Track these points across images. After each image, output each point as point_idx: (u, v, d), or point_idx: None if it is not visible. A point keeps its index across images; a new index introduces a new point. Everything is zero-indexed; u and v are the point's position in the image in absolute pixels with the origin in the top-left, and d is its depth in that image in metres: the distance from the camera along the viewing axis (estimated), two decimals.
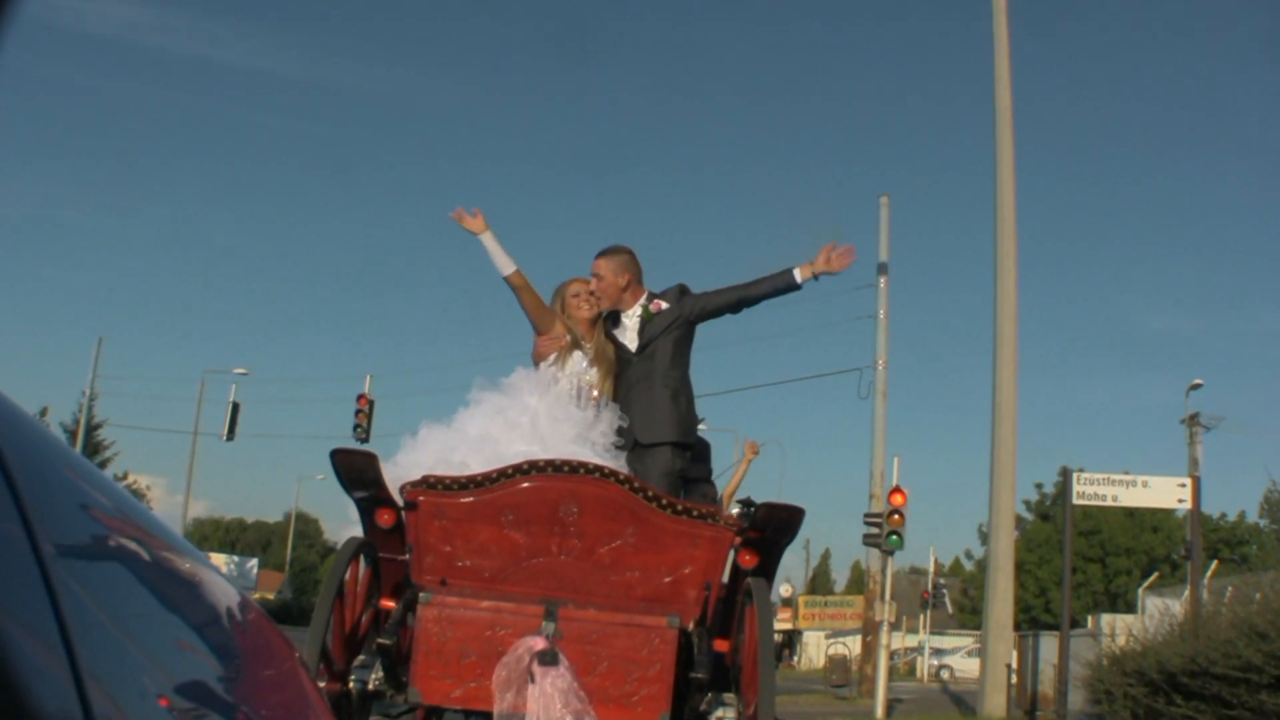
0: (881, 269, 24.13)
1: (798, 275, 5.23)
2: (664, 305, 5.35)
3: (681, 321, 5.34)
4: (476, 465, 4.60)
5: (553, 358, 5.22)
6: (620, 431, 5.02)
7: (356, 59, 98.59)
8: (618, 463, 4.80)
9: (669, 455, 5.16)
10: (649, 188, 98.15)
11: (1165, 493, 16.00)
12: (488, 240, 5.28)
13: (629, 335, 5.38)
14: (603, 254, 5.42)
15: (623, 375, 5.34)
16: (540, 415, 4.91)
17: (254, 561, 59.52)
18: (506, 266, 5.26)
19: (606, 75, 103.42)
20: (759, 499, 4.84)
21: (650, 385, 5.22)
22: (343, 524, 5.01)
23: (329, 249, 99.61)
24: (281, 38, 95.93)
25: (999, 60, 19.13)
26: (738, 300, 5.32)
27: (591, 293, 5.35)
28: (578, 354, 5.25)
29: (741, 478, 5.65)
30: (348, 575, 4.35)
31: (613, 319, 5.49)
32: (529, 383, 5.09)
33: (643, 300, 5.41)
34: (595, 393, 5.21)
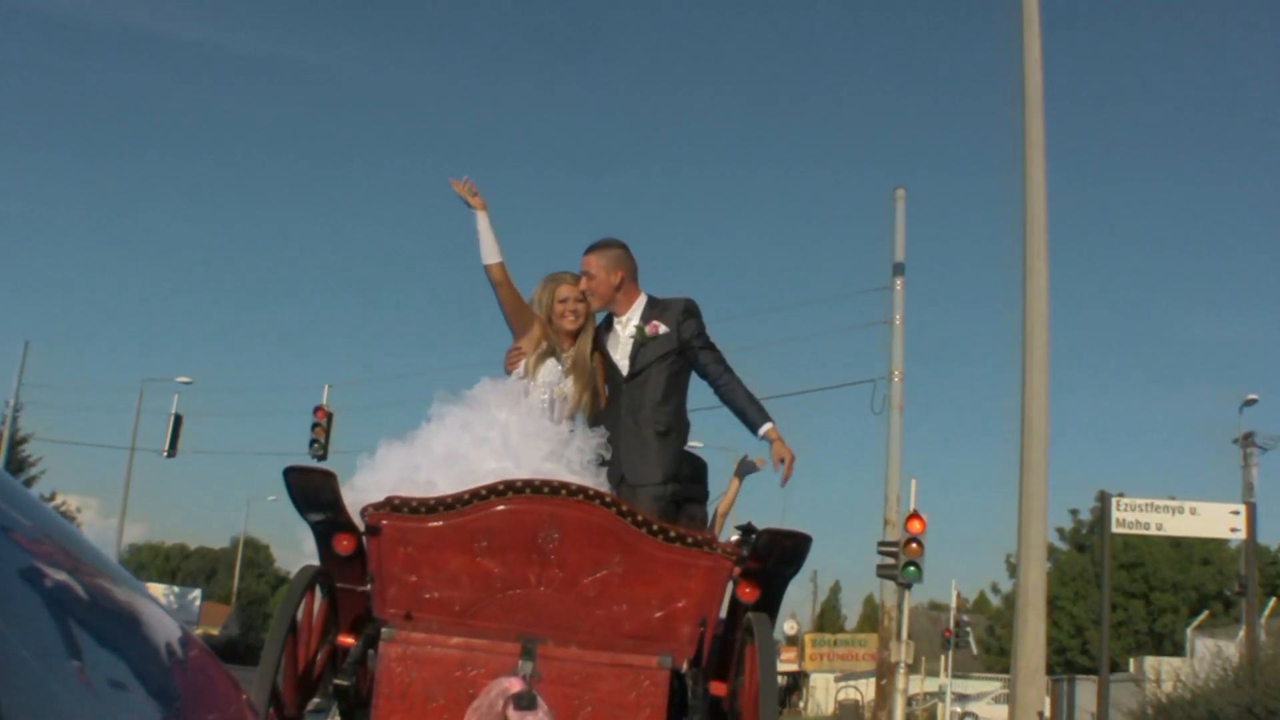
0: (897, 270, 24.20)
1: (762, 429, 5.24)
2: (661, 329, 5.35)
3: (677, 354, 5.35)
4: (445, 486, 4.60)
5: (523, 366, 5.24)
6: (601, 450, 5.04)
7: (318, 34, 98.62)
8: (595, 483, 4.82)
9: (659, 480, 5.17)
10: (649, 186, 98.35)
11: (1216, 521, 16.04)
12: (482, 221, 5.33)
13: (620, 349, 5.39)
14: (593, 249, 5.42)
15: (612, 398, 5.36)
16: (510, 430, 4.92)
17: (196, 593, 59.34)
18: (491, 255, 5.30)
19: (604, 65, 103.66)
20: (760, 524, 4.85)
21: (638, 421, 5.24)
22: (296, 551, 5.02)
23: (284, 246, 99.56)
24: (235, 9, 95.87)
25: (1028, 39, 19.22)
26: (717, 387, 5.36)
27: (581, 295, 5.36)
28: (551, 362, 5.27)
29: (735, 496, 5.65)
30: (301, 608, 4.35)
31: (604, 325, 5.51)
32: (496, 394, 5.11)
33: (639, 307, 5.41)
34: (569, 406, 5.23)
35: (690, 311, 5.41)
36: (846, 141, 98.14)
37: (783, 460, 5.20)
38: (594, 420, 5.30)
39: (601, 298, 5.39)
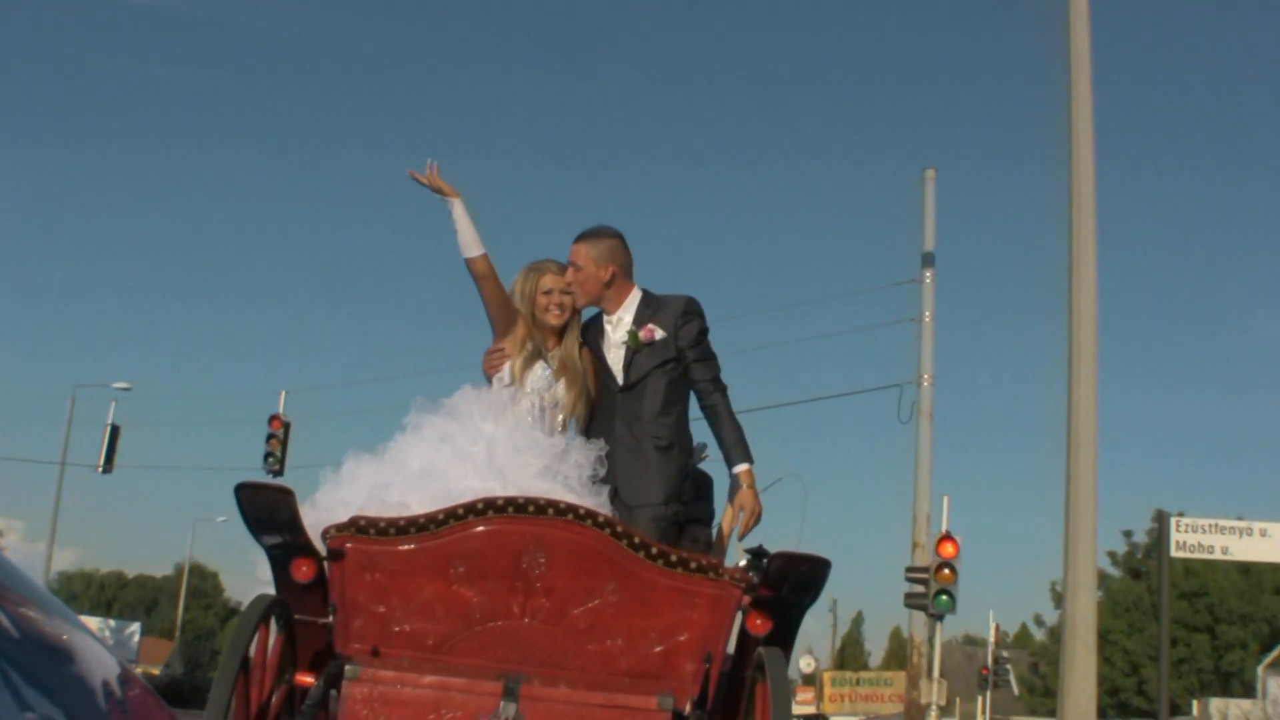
0: (926, 260, 24.19)
1: (736, 469, 5.27)
2: (657, 335, 5.34)
3: (676, 360, 5.35)
4: (420, 506, 4.61)
5: (507, 369, 5.24)
6: (599, 464, 5.05)
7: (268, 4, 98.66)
8: (596, 502, 4.82)
9: (660, 500, 5.18)
10: (650, 178, 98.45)
11: None
12: (457, 209, 5.31)
13: (613, 353, 5.39)
14: (582, 237, 5.42)
15: (605, 407, 5.37)
16: (497, 444, 4.93)
17: (135, 626, 59.20)
18: (472, 247, 5.29)
19: (610, 48, 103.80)
20: (773, 547, 4.86)
21: (636, 435, 5.26)
22: (249, 579, 5.02)
23: (234, 238, 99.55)
24: None
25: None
26: (704, 408, 5.37)
27: (566, 290, 5.36)
28: (540, 365, 5.28)
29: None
30: (255, 643, 4.35)
31: (593, 324, 5.51)
32: (480, 403, 5.12)
33: (631, 305, 5.40)
34: (562, 415, 5.24)
35: (690, 313, 5.40)
36: (867, 120, 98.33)
37: (743, 509, 5.20)
38: (588, 429, 5.32)
39: (588, 294, 5.39)
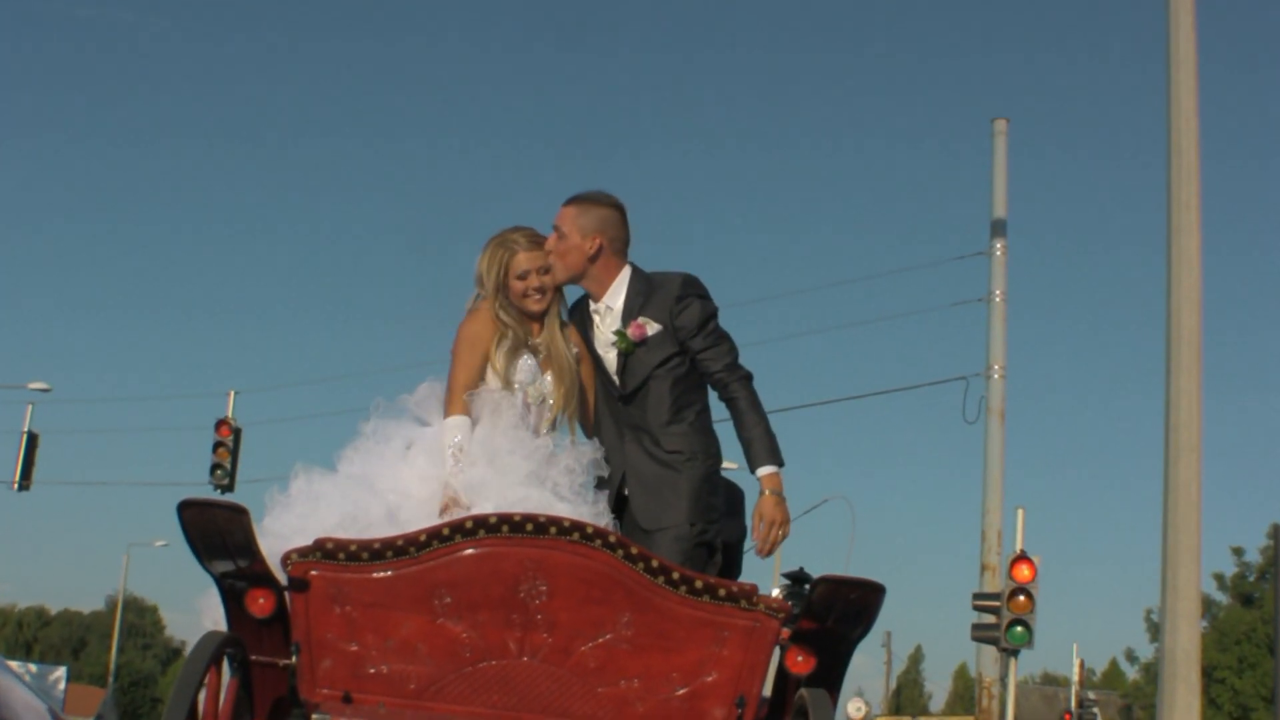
0: (997, 229, 24.10)
1: (760, 471, 5.25)
2: (650, 330, 5.32)
3: (679, 356, 5.33)
4: (390, 527, 4.64)
5: (488, 366, 5.25)
6: (597, 468, 5.11)
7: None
8: (592, 512, 4.87)
9: (683, 520, 5.20)
10: (668, 150, 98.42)
11: None
12: None
13: (604, 353, 5.40)
14: (572, 201, 5.42)
15: (605, 413, 5.40)
16: (479, 448, 4.96)
17: (60, 671, 59.32)
18: None
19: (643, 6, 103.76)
20: (816, 571, 4.87)
21: (645, 448, 5.28)
22: (194, 614, 5.04)
23: (169, 217, 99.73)
24: None
25: None
26: (725, 402, 5.36)
27: (545, 268, 5.34)
28: (525, 357, 5.28)
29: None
30: (204, 690, 4.36)
31: (578, 312, 5.52)
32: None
33: (620, 287, 5.37)
34: (551, 413, 5.28)
35: (686, 296, 5.36)
36: (924, 61, 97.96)
37: (763, 520, 5.20)
38: (589, 431, 5.35)
39: (569, 268, 5.37)
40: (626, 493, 5.26)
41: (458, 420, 5.08)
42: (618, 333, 5.32)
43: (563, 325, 5.43)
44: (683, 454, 5.26)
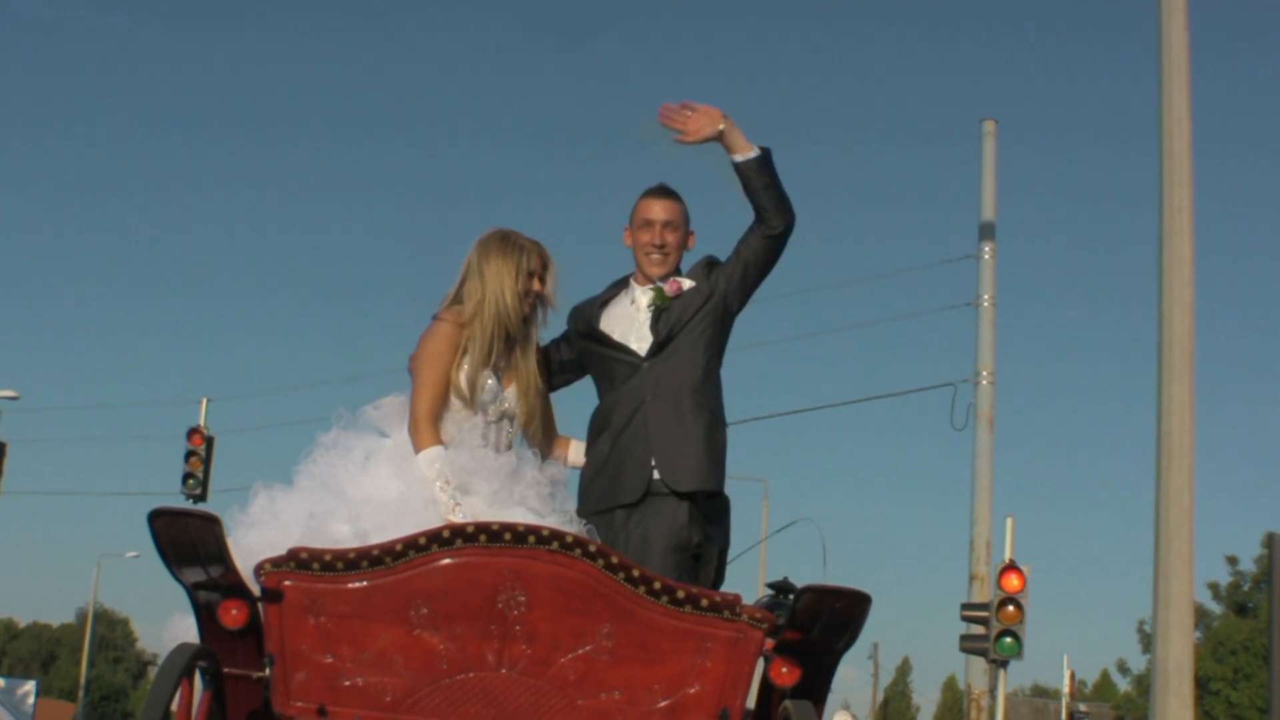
0: (985, 232, 24.16)
1: (741, 158, 5.45)
2: (685, 284, 5.49)
3: (716, 308, 5.48)
4: (358, 541, 4.64)
5: (462, 377, 5.26)
6: (557, 484, 5.17)
7: None
8: (559, 523, 4.90)
9: (685, 518, 5.24)
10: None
11: None
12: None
13: (638, 321, 5.49)
14: (670, 194, 5.62)
15: (615, 388, 5.43)
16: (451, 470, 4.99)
17: (29, 686, 59.05)
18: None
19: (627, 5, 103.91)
20: (800, 581, 4.88)
21: (677, 402, 5.35)
22: (167, 625, 5.03)
23: (140, 220, 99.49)
24: None
25: None
26: (761, 234, 5.51)
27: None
28: (487, 377, 5.30)
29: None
30: (176, 703, 4.36)
31: (610, 293, 5.63)
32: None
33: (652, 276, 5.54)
34: (511, 430, 5.33)
35: (715, 262, 5.59)
36: (915, 64, 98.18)
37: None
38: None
39: (675, 263, 5.58)
40: (654, 462, 5.31)
41: (434, 452, 5.08)
42: (654, 289, 5.49)
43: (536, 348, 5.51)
44: (711, 415, 5.40)
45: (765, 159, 5.44)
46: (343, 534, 4.79)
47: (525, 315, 5.41)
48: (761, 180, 5.43)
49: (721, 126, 5.41)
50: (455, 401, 5.25)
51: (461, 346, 5.30)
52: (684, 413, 5.34)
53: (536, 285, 5.40)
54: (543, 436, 5.49)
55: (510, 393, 5.34)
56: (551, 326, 5.59)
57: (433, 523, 4.68)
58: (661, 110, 5.51)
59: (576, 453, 5.63)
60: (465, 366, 5.27)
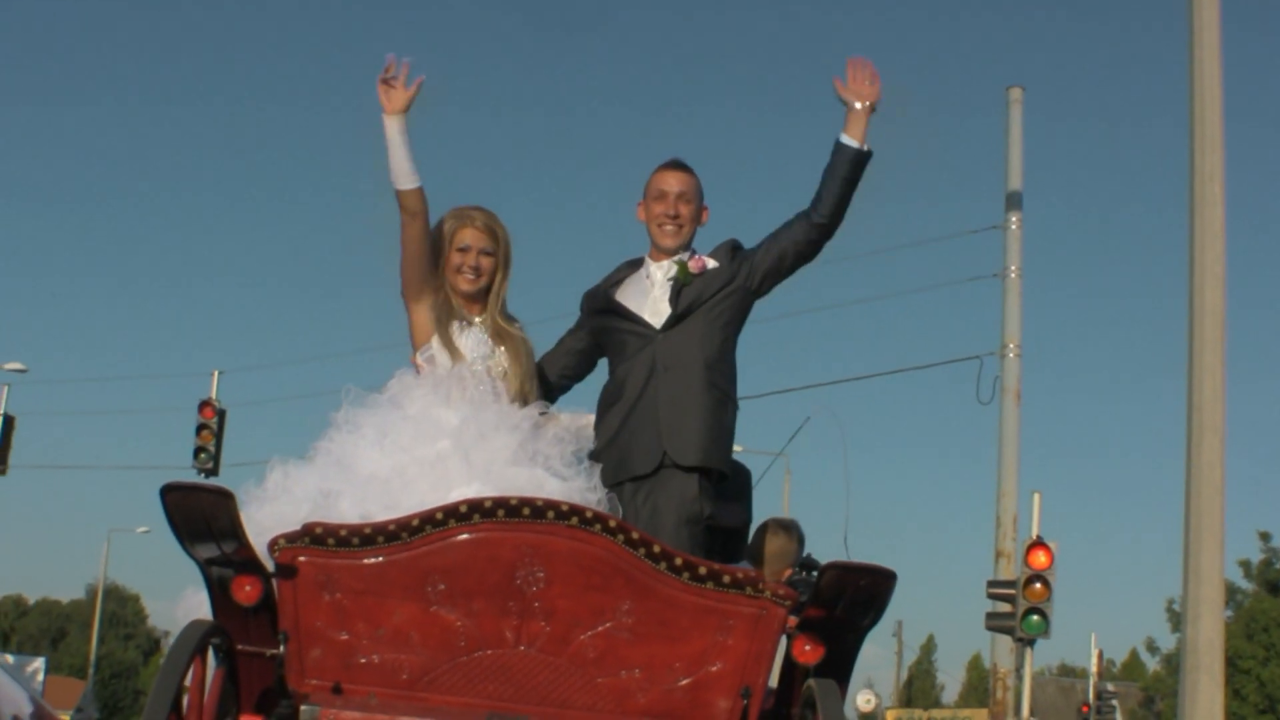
0: (1012, 202, 24.06)
1: (848, 140, 5.53)
2: (709, 264, 5.51)
3: (737, 290, 5.48)
4: (377, 517, 4.64)
5: (436, 346, 5.31)
6: (586, 438, 5.18)
7: None
8: (586, 485, 4.93)
9: (694, 490, 5.22)
10: (665, 116, 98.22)
11: None
12: (393, 129, 5.35)
13: (654, 294, 5.50)
14: (684, 167, 5.65)
15: (628, 360, 5.42)
16: (463, 430, 4.98)
17: (38, 663, 59.39)
18: (406, 179, 5.35)
19: None
20: (823, 557, 4.88)
21: (688, 376, 5.33)
22: (178, 602, 5.06)
23: (150, 192, 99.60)
24: None
25: None
26: (808, 222, 5.53)
27: (486, 250, 5.47)
28: (474, 331, 5.35)
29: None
30: (188, 680, 4.37)
31: (626, 270, 5.63)
32: (423, 386, 5.18)
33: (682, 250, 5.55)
34: (511, 386, 5.32)
35: (739, 246, 5.61)
36: (940, 30, 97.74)
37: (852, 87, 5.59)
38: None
39: (687, 236, 5.60)
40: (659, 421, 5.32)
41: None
42: (678, 262, 5.51)
43: (509, 319, 5.51)
44: (723, 393, 5.40)
45: (866, 158, 5.53)
46: (352, 511, 4.78)
47: (475, 289, 5.46)
48: (847, 171, 5.51)
49: (872, 104, 5.57)
50: (440, 352, 5.33)
51: (439, 303, 5.42)
52: (694, 387, 5.33)
53: (472, 259, 5.45)
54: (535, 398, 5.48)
55: (502, 351, 5.37)
56: (555, 323, 5.67)
57: (434, 501, 4.67)
58: (859, 61, 5.63)
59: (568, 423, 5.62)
60: (449, 322, 5.38)
